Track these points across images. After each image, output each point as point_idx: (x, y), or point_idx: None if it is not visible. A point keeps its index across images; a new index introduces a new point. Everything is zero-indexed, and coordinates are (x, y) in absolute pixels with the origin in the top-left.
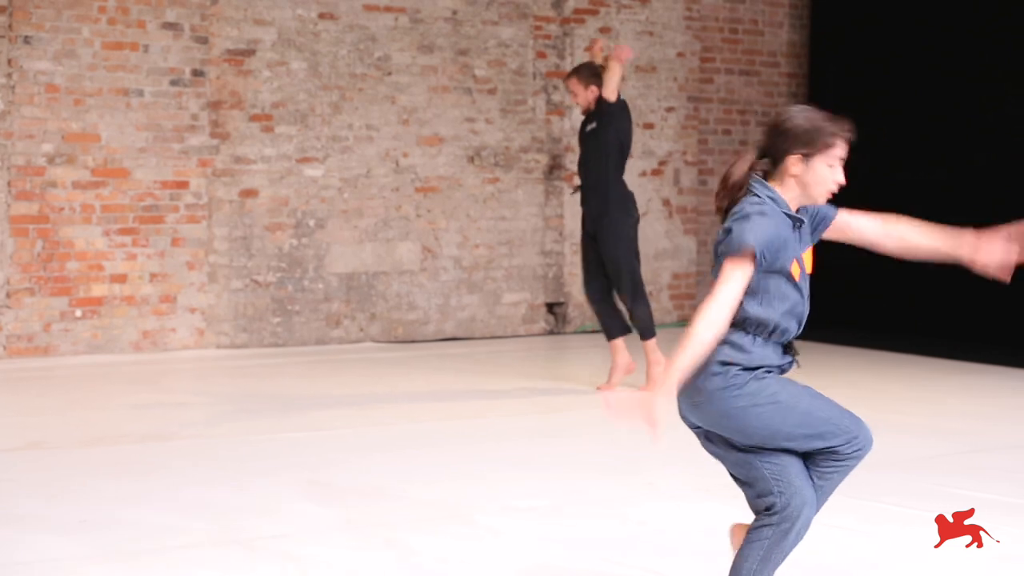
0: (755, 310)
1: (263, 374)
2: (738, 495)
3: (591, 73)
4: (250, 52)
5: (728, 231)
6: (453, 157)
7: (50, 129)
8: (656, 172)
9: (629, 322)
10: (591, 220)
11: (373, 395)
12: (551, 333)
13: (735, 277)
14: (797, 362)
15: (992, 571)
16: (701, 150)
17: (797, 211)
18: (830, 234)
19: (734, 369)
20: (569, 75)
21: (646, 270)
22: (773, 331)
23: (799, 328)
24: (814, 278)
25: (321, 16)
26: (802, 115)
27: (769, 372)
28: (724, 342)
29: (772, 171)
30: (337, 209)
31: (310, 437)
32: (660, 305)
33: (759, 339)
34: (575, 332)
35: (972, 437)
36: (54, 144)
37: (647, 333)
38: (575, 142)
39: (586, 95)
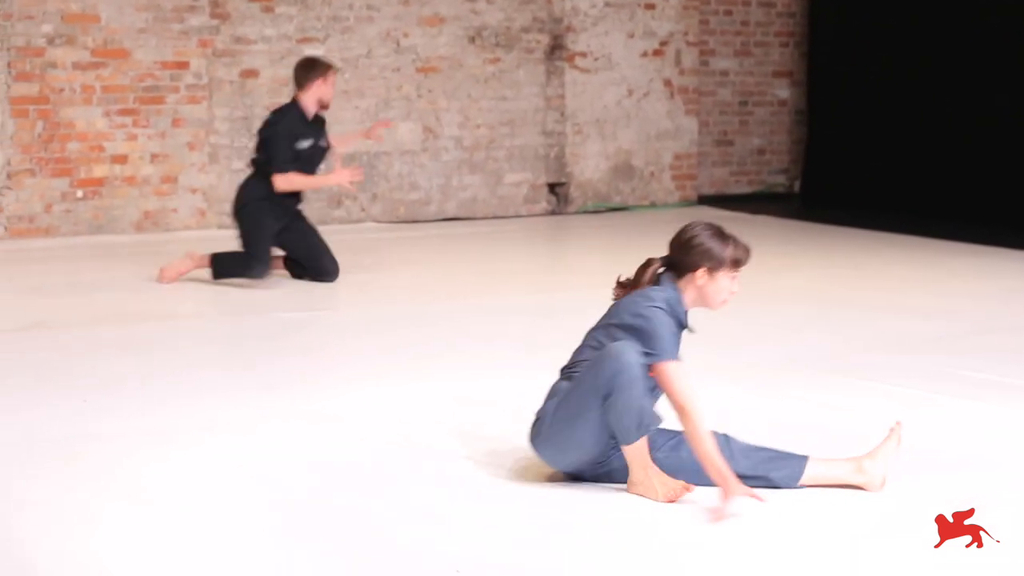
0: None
1: None
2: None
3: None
4: None
5: (634, 326)
6: (454, 37)
7: (49, 10)
8: (657, 53)
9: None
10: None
11: (374, 275)
12: (553, 213)
13: (680, 374)
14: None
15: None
16: (703, 31)
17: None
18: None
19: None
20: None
21: (648, 150)
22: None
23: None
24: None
25: None
26: (708, 235)
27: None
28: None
29: (677, 278)
30: (338, 90)
31: (311, 317)
32: (662, 186)
33: None
34: (577, 212)
35: (977, 318)
36: (53, 25)
37: None
38: (576, 22)
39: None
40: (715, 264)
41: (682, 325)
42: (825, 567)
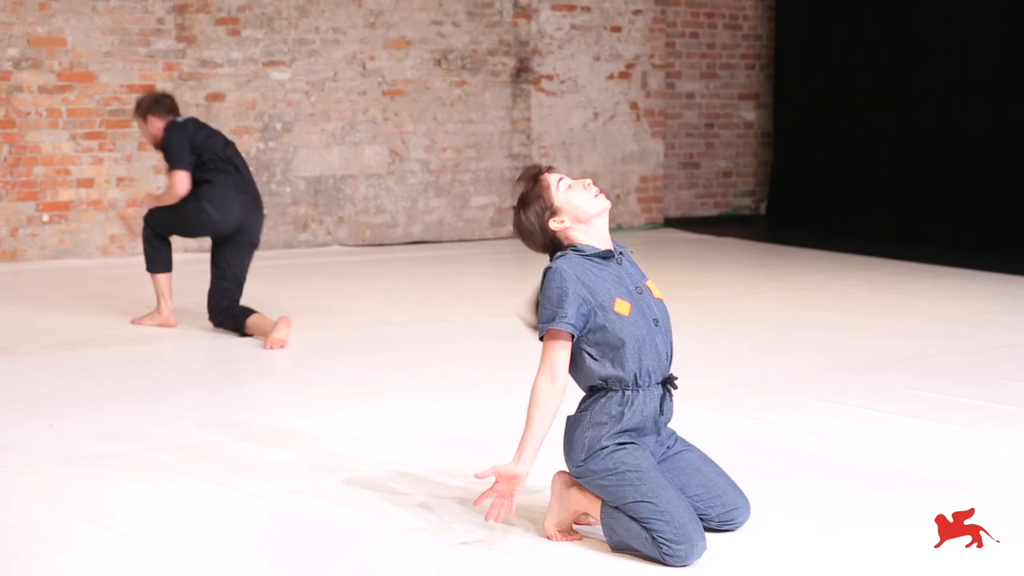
0: (604, 370)
1: None
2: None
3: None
4: None
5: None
6: (420, 60)
7: (16, 33)
8: (623, 75)
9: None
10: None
11: (339, 299)
12: None
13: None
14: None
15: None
16: (669, 53)
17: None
18: None
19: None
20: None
21: (614, 173)
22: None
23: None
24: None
25: None
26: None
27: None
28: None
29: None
30: (304, 113)
31: None
32: (628, 208)
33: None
34: None
35: (939, 340)
36: (20, 48)
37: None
38: (542, 45)
39: (149, 130)
40: (546, 204)
41: (606, 255)
42: (825, 567)
